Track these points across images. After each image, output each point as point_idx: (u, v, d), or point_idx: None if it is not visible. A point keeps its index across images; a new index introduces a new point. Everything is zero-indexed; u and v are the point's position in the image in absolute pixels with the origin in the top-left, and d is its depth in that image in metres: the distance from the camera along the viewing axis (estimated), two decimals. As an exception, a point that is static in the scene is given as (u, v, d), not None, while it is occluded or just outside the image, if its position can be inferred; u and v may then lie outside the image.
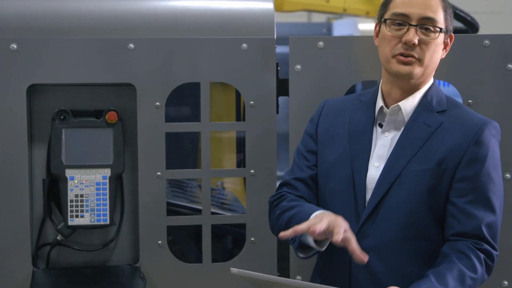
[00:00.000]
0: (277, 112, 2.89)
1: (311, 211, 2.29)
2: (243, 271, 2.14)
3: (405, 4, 2.31)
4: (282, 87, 2.89)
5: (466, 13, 4.11)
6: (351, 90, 2.93)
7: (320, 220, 2.17)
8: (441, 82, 2.97)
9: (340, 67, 2.87)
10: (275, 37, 2.86)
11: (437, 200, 2.30)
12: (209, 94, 2.85)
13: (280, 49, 2.92)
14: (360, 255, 2.16)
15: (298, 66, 2.85)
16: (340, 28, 5.40)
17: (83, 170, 2.81)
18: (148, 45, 2.81)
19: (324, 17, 6.77)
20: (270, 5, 2.89)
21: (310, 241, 2.27)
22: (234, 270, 2.14)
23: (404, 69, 2.31)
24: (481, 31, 4.12)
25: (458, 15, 4.07)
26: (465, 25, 4.15)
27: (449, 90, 2.82)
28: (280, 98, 2.91)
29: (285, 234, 2.17)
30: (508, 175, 2.85)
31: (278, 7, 4.10)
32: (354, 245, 2.17)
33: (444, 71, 2.83)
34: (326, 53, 2.86)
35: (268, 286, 2.19)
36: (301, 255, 2.33)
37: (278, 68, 2.88)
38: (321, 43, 2.85)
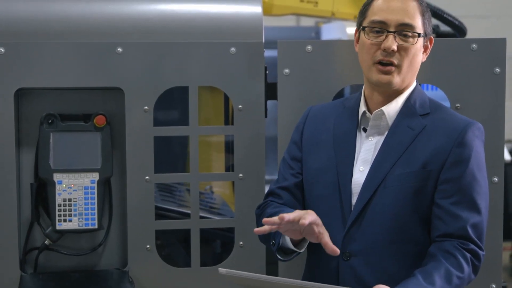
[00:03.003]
0: (266, 116, 2.90)
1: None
2: (231, 271, 2.14)
3: (383, 11, 2.32)
4: (271, 91, 2.89)
5: (454, 17, 4.12)
6: (340, 94, 2.93)
7: (291, 213, 2.19)
8: (429, 86, 2.97)
9: (329, 71, 2.87)
10: (264, 41, 2.86)
11: (422, 203, 2.31)
12: (198, 98, 2.85)
13: (269, 53, 2.92)
14: (333, 247, 2.19)
15: (287, 70, 2.85)
16: (329, 32, 5.40)
17: (71, 174, 2.81)
18: (137, 49, 2.80)
19: (313, 21, 6.77)
20: (258, 9, 2.89)
21: (288, 242, 2.29)
22: (222, 270, 2.15)
23: (384, 78, 2.33)
24: (469, 35, 4.14)
25: (446, 19, 4.08)
26: (453, 29, 4.16)
27: (437, 94, 2.83)
28: (269, 102, 2.91)
29: (259, 229, 2.19)
30: (495, 179, 2.85)
31: (267, 11, 4.10)
32: (326, 238, 2.20)
33: (431, 75, 2.84)
34: (314, 57, 2.86)
35: (257, 286, 2.19)
36: (281, 258, 2.35)
37: (267, 72, 2.89)
38: (309, 47, 2.86)
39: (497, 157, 2.85)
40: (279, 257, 2.36)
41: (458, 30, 4.15)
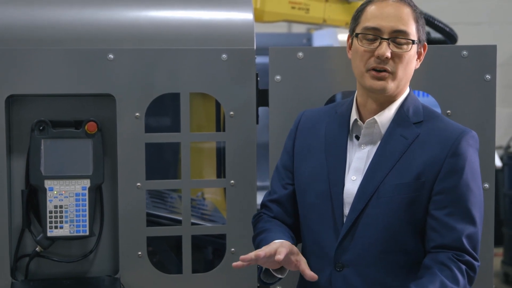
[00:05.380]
0: (257, 123, 2.90)
1: (272, 239, 2.32)
2: None
3: (376, 17, 2.30)
4: (262, 98, 2.90)
5: (445, 24, 4.14)
6: (331, 100, 2.94)
7: (267, 247, 2.23)
8: (420, 92, 2.98)
9: (320, 77, 2.87)
10: (255, 47, 2.86)
11: (416, 214, 2.29)
12: (189, 105, 2.85)
13: (260, 60, 2.92)
14: (311, 273, 2.22)
15: (278, 77, 2.86)
16: (320, 39, 5.41)
17: (62, 181, 2.80)
18: (128, 55, 2.80)
19: (304, 28, 6.78)
20: (250, 16, 2.90)
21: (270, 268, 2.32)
22: None
23: (378, 84, 2.31)
24: (460, 42, 4.15)
25: (436, 26, 4.09)
26: (444, 35, 4.18)
27: (428, 101, 2.83)
28: (260, 108, 2.92)
29: (236, 264, 2.21)
30: (486, 185, 2.86)
31: (258, 18, 4.11)
32: (303, 265, 2.24)
33: (422, 81, 2.85)
34: (306, 63, 2.87)
35: None
36: (265, 281, 2.38)
37: (258, 78, 2.89)
38: (300, 54, 2.86)
39: (488, 164, 2.85)
40: (264, 280, 2.37)
41: (449, 37, 4.16)
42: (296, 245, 2.38)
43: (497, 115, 2.88)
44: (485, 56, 2.88)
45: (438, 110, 2.76)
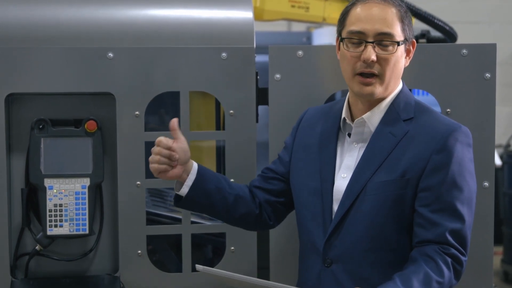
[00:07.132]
0: (257, 121, 2.90)
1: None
2: (207, 268, 2.17)
3: (360, 20, 2.29)
4: (262, 96, 2.90)
5: (445, 22, 4.13)
6: (331, 99, 2.94)
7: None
8: (420, 91, 2.98)
9: (320, 76, 2.87)
10: (255, 46, 2.86)
11: (402, 211, 2.28)
12: (189, 103, 2.85)
13: (260, 58, 2.92)
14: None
15: (278, 75, 2.86)
16: (320, 37, 5.41)
17: (62, 179, 2.80)
18: (128, 54, 2.80)
19: (304, 26, 6.79)
20: (249, 14, 2.90)
21: (175, 189, 2.47)
22: (199, 267, 2.16)
23: (365, 89, 2.30)
24: (459, 41, 4.15)
25: (436, 24, 4.09)
26: (444, 34, 4.17)
27: (428, 99, 2.84)
28: (260, 107, 2.92)
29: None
30: (486, 184, 2.86)
31: (258, 16, 4.11)
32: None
33: (422, 80, 2.85)
34: (305, 62, 2.87)
35: (233, 284, 2.22)
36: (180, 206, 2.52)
37: (258, 77, 2.89)
38: (300, 52, 2.86)
39: (487, 162, 2.85)
40: (178, 206, 2.52)
41: (449, 35, 4.16)
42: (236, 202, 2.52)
43: (496, 114, 2.88)
44: (485, 54, 2.88)
45: (438, 109, 2.76)
